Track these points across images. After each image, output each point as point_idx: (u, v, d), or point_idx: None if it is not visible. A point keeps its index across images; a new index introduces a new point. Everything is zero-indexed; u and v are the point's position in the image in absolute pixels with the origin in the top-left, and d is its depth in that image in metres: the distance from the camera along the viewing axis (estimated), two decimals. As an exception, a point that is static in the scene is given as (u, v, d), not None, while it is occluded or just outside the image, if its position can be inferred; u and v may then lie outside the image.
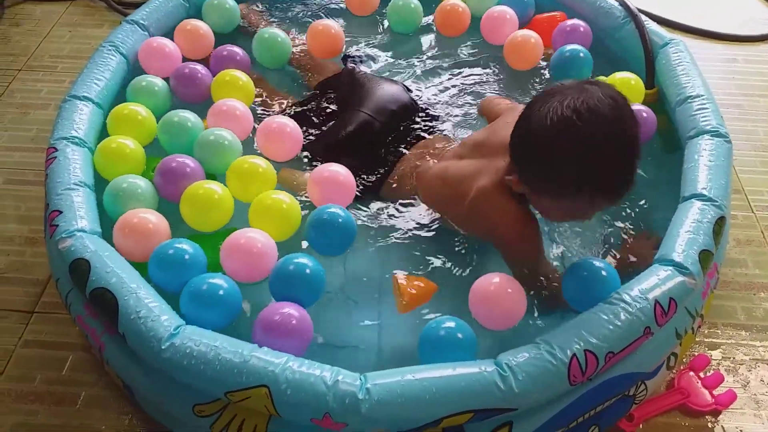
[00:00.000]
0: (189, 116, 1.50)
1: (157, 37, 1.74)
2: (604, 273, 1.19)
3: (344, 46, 1.87)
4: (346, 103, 1.63)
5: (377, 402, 1.00)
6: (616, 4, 1.83)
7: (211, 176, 1.44)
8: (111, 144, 1.43)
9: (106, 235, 1.28)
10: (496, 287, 1.18)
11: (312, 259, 1.23)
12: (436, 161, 1.46)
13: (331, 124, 1.61)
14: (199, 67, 1.66)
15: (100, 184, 1.41)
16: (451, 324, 1.14)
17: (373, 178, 1.50)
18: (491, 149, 1.32)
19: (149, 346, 1.07)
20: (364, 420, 1.00)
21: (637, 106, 1.52)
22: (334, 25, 1.85)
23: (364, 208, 1.48)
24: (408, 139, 1.56)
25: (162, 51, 1.70)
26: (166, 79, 1.65)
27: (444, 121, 1.67)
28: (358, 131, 1.54)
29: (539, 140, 1.13)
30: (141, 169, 1.45)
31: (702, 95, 1.53)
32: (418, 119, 1.62)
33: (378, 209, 1.48)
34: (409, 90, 1.71)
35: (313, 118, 1.64)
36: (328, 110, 1.65)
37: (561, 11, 1.90)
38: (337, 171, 1.40)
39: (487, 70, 1.85)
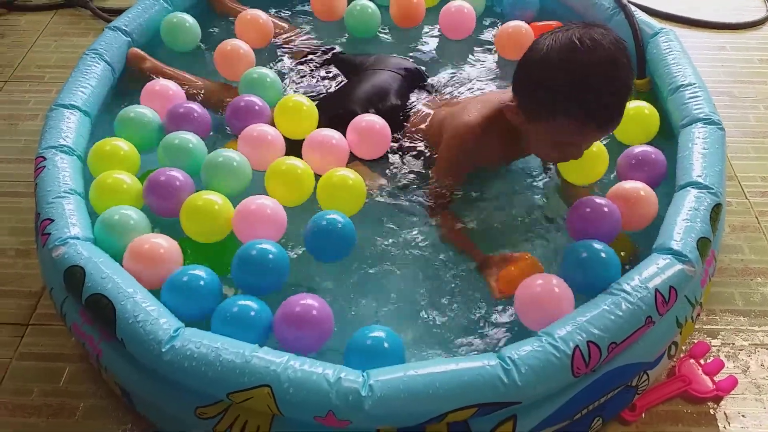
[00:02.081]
0: (190, 138, 1.47)
1: (160, 80, 1.67)
2: (603, 255, 1.22)
3: (273, 36, 1.87)
4: (359, 69, 1.69)
5: (380, 398, 0.99)
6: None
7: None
8: (107, 179, 1.38)
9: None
10: (542, 288, 1.18)
11: (275, 245, 1.26)
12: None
13: (344, 84, 1.69)
14: (256, 99, 1.57)
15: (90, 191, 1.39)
16: (381, 333, 1.14)
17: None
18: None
19: (149, 349, 1.06)
20: (368, 417, 0.99)
21: (644, 147, 1.46)
22: (263, 14, 1.85)
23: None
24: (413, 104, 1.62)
25: (165, 93, 1.62)
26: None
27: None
28: (386, 83, 1.60)
29: (540, 61, 1.23)
30: (141, 204, 1.40)
31: (694, 83, 1.53)
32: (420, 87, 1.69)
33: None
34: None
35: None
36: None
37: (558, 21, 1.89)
38: (374, 120, 1.49)
39: (476, 60, 1.89)
